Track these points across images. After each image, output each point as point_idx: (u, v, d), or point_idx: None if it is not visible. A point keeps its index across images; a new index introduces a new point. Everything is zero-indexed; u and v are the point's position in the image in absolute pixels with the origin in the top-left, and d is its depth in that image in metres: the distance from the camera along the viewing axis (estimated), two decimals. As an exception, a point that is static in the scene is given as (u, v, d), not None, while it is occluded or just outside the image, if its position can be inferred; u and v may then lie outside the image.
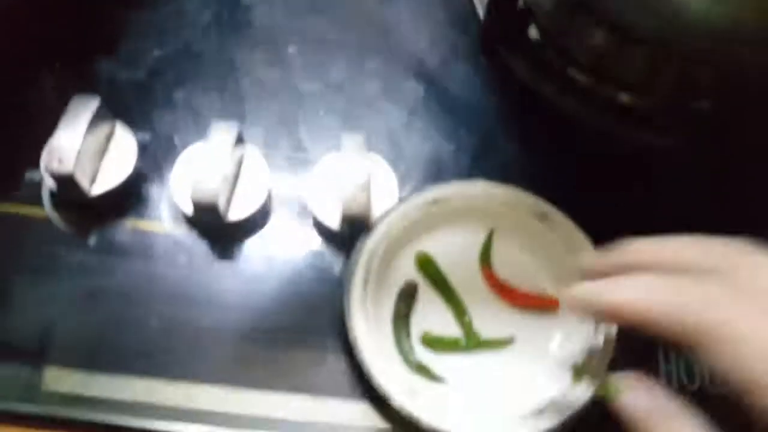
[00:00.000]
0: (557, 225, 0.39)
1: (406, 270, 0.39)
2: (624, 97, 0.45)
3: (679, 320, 0.27)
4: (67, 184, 0.36)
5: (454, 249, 0.40)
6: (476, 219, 0.40)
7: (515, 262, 0.40)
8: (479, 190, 0.40)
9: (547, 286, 0.39)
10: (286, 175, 0.42)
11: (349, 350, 0.37)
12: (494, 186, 0.40)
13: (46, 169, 0.37)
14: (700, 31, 0.37)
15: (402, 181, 0.42)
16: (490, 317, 0.39)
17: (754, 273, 0.28)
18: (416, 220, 0.39)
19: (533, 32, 0.47)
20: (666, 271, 0.29)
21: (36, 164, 0.39)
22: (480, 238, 0.40)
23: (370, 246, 0.38)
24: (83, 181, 0.37)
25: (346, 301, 0.37)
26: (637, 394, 0.30)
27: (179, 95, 0.44)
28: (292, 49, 0.47)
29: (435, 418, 0.35)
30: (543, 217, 0.39)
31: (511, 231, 0.40)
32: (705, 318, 0.27)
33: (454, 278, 0.39)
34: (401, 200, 0.40)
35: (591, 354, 0.36)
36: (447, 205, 0.40)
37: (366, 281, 0.37)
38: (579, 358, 0.37)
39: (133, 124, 0.41)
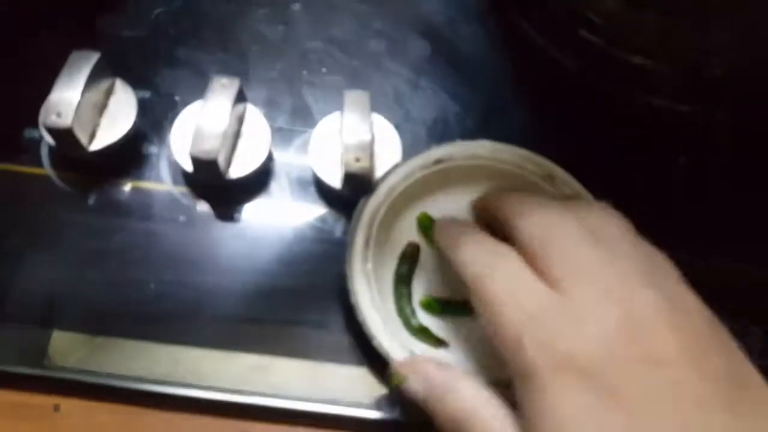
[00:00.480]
0: (564, 186, 0.38)
1: (409, 231, 0.39)
2: (636, 59, 0.44)
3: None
4: (65, 138, 0.36)
5: (457, 210, 0.39)
6: (481, 180, 0.39)
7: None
8: (484, 150, 0.39)
9: None
10: (288, 135, 0.41)
11: (349, 313, 0.36)
12: (500, 146, 0.39)
13: (44, 124, 0.36)
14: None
15: (406, 141, 0.41)
16: None
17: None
18: (419, 180, 0.38)
19: None
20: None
21: (35, 122, 0.38)
22: None
23: (371, 206, 0.37)
24: (82, 136, 0.36)
25: (347, 263, 0.36)
26: (414, 378, 0.31)
27: (181, 53, 0.43)
28: (296, 6, 0.46)
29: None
30: (550, 179, 0.38)
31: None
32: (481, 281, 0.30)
33: None
34: (404, 160, 0.39)
35: None
36: (451, 165, 0.39)
37: (367, 243, 0.37)
38: None
39: (133, 81, 0.40)
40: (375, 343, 0.35)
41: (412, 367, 0.32)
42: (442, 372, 0.31)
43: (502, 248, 0.31)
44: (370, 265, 0.36)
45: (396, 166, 0.38)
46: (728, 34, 0.41)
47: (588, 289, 0.27)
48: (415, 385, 0.31)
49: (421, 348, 0.36)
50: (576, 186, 0.38)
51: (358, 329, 0.35)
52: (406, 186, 0.38)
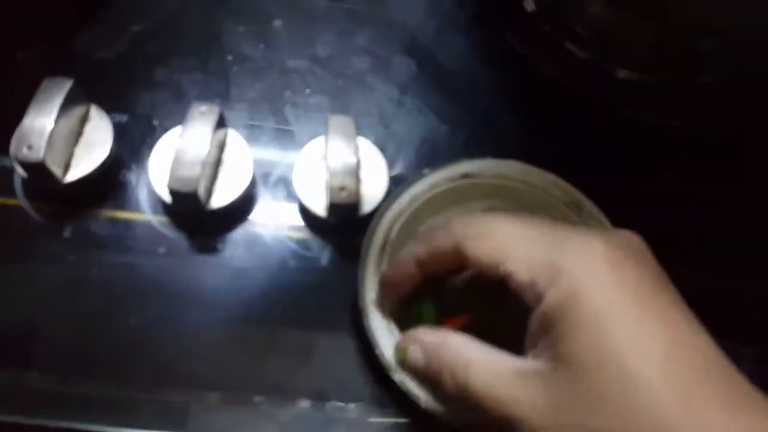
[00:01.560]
0: (590, 218, 0.37)
1: None
2: (622, 73, 0.43)
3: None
4: (37, 171, 0.34)
5: None
6: (506, 199, 0.38)
7: None
8: (513, 170, 0.38)
9: None
10: (272, 159, 0.40)
11: (355, 327, 0.35)
12: (529, 168, 0.38)
13: (15, 157, 0.35)
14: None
15: (392, 164, 0.40)
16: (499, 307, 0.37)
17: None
18: (444, 192, 0.37)
19: (530, 4, 0.45)
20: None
21: (6, 151, 0.37)
22: None
23: (392, 212, 0.37)
24: (55, 168, 0.35)
25: (360, 265, 0.35)
26: (414, 348, 0.32)
27: (158, 73, 0.42)
28: (277, 23, 0.44)
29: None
30: (576, 208, 0.37)
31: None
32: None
33: None
34: (431, 171, 0.38)
35: None
36: (477, 182, 0.38)
37: (383, 247, 0.36)
38: None
39: (109, 104, 0.39)
40: (377, 352, 0.34)
41: (411, 338, 0.33)
42: (436, 334, 0.32)
43: None
44: (384, 269, 0.36)
45: (422, 175, 0.38)
46: (717, 47, 0.40)
47: None
48: (414, 354, 0.32)
49: None
50: (601, 218, 0.37)
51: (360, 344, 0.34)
52: (430, 196, 0.37)
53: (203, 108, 0.36)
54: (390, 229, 0.36)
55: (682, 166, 0.42)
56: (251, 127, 0.41)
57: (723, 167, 0.43)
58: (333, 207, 0.36)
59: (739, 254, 0.40)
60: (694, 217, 0.41)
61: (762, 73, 0.42)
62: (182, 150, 0.35)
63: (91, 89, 0.39)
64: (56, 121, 0.35)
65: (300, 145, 0.39)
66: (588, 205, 0.37)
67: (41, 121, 0.34)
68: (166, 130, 0.38)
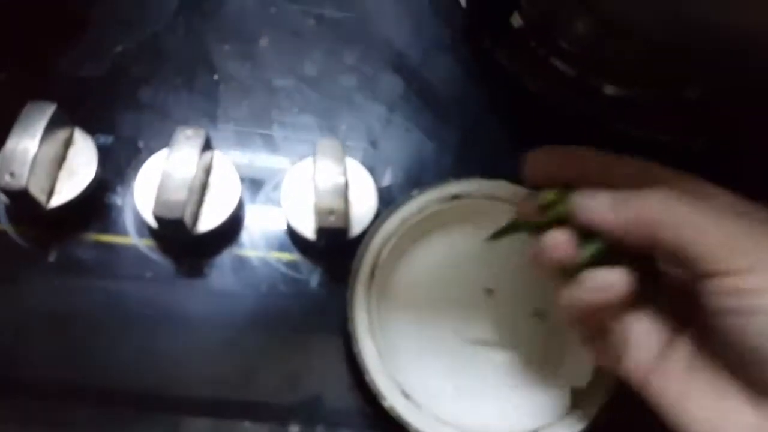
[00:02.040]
0: None
1: (419, 262, 0.38)
2: (609, 90, 0.43)
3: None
4: (21, 198, 0.34)
5: (471, 245, 0.38)
6: (497, 218, 0.38)
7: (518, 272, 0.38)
8: (503, 190, 0.38)
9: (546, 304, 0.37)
10: (259, 180, 0.40)
11: (346, 351, 0.35)
12: (517, 188, 0.38)
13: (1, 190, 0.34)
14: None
15: (380, 183, 0.40)
16: (497, 328, 0.37)
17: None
18: (434, 213, 0.37)
19: (517, 20, 0.44)
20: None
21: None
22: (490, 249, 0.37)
23: (382, 234, 0.36)
24: (39, 194, 0.35)
25: (349, 289, 0.35)
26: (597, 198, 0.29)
27: (143, 93, 0.42)
28: (264, 41, 0.44)
29: (425, 426, 0.33)
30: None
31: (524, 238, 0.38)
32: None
33: (463, 280, 0.38)
34: (419, 192, 0.38)
35: (593, 381, 0.35)
36: (467, 202, 0.38)
37: (373, 271, 0.36)
38: (582, 382, 0.35)
39: (93, 126, 0.39)
40: (367, 378, 0.34)
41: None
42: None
43: None
44: (373, 292, 0.35)
45: (410, 197, 0.37)
46: (706, 63, 0.40)
47: None
48: (598, 200, 0.28)
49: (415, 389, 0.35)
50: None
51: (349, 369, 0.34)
52: (420, 219, 0.37)
53: (189, 132, 0.36)
54: (379, 253, 0.36)
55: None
56: (238, 147, 0.40)
57: (713, 182, 0.43)
58: (321, 231, 0.35)
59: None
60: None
61: (749, 88, 0.42)
62: (168, 175, 0.34)
63: (74, 111, 0.38)
64: (39, 146, 0.34)
65: (288, 164, 0.39)
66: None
67: (24, 147, 0.34)
68: (152, 152, 0.38)
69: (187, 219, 0.34)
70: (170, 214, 0.34)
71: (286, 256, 0.38)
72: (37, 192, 0.34)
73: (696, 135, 0.43)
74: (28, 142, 0.34)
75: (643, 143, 0.43)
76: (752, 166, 0.43)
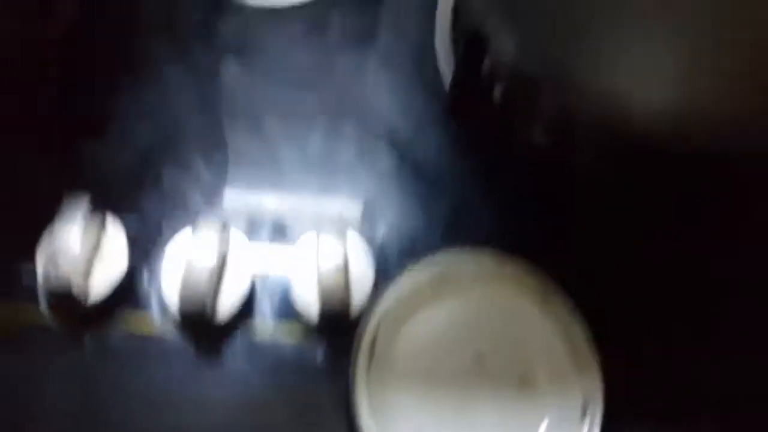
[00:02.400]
0: (558, 310, 0.41)
1: (416, 339, 0.41)
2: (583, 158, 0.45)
3: None
4: (63, 297, 0.39)
5: (468, 312, 0.41)
6: (481, 293, 0.41)
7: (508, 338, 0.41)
8: (488, 266, 0.41)
9: (535, 369, 0.41)
10: (267, 258, 0.43)
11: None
12: (502, 262, 0.41)
13: (43, 284, 0.39)
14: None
15: (377, 255, 0.43)
16: (481, 397, 0.40)
17: None
18: (425, 290, 0.41)
19: (496, 96, 0.47)
20: None
21: (29, 259, 0.40)
22: (480, 316, 0.41)
23: (377, 316, 0.40)
24: (81, 293, 0.39)
25: (351, 369, 0.39)
26: None
27: (161, 177, 0.45)
28: (270, 121, 0.48)
29: None
30: (545, 300, 0.41)
31: (512, 307, 0.41)
32: None
33: (456, 348, 0.41)
34: (412, 266, 0.41)
35: None
36: (456, 282, 0.41)
37: (372, 350, 0.39)
38: None
39: (119, 211, 0.43)
40: None
41: None
42: None
43: None
44: (373, 369, 0.39)
45: (403, 276, 0.41)
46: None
47: None
48: None
49: None
50: (569, 314, 0.40)
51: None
52: (414, 294, 0.41)
53: (208, 225, 0.40)
54: (376, 332, 0.40)
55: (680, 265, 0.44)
56: (249, 224, 0.44)
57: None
58: (324, 314, 0.40)
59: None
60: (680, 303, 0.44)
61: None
62: (189, 269, 0.39)
63: (103, 198, 0.42)
64: (81, 243, 0.39)
65: (294, 239, 0.43)
66: (555, 297, 0.41)
67: (66, 249, 0.38)
68: (173, 233, 0.42)
69: (209, 312, 0.39)
70: (194, 309, 0.38)
71: (294, 335, 0.42)
72: (79, 291, 0.39)
73: (685, 201, 0.45)
74: (69, 244, 0.38)
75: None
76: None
